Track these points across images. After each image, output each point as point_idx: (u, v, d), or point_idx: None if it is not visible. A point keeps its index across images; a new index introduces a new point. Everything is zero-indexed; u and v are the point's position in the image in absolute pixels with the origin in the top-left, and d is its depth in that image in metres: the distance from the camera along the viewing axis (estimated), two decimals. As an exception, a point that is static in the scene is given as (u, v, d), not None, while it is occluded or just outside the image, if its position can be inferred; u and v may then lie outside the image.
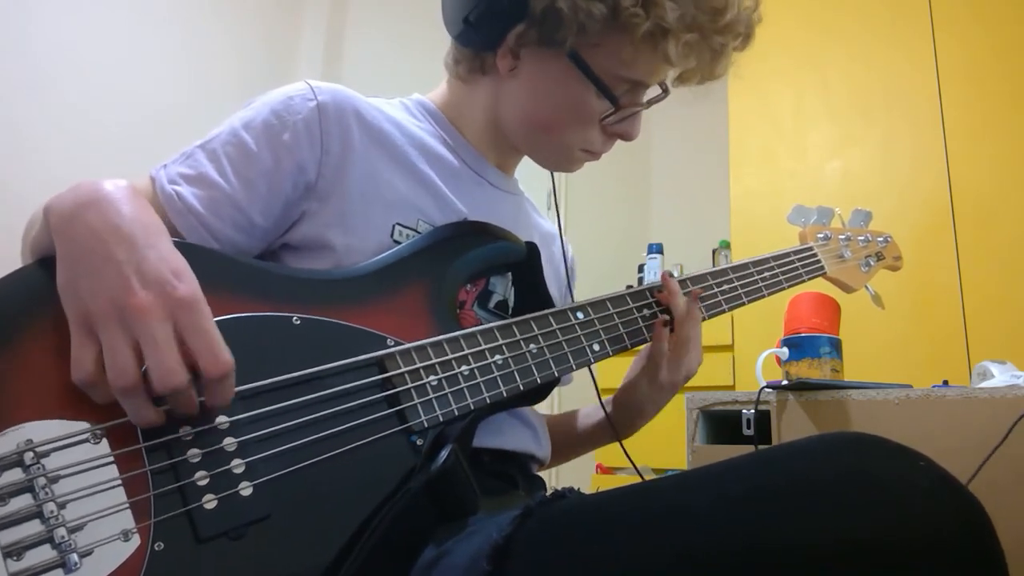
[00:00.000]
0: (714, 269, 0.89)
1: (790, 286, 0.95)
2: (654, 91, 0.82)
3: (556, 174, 0.91)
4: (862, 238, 1.09)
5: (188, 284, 0.52)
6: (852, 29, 2.43)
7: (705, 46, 0.74)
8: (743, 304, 0.90)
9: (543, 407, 0.81)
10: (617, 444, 0.91)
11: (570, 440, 0.97)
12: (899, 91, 2.30)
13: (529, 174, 0.93)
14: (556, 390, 0.80)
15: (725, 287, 0.88)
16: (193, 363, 0.50)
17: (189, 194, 0.68)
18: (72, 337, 0.50)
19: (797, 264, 0.97)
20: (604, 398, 0.94)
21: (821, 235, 1.05)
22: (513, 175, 0.93)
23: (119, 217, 0.53)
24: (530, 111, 0.81)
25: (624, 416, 0.89)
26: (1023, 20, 2.14)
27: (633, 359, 0.88)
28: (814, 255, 1.01)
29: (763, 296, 0.92)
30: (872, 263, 1.08)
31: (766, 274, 0.93)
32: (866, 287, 1.07)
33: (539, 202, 1.02)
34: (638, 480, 0.58)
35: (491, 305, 0.81)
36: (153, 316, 0.49)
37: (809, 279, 0.98)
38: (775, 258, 0.95)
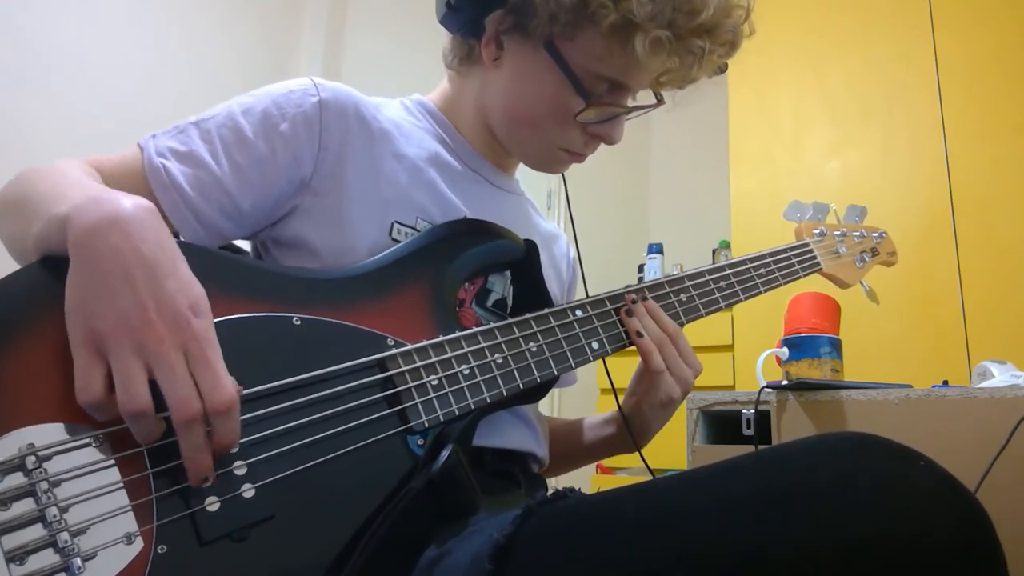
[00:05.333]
0: (712, 266, 0.89)
1: (786, 282, 0.96)
2: (649, 99, 0.82)
3: (557, 176, 0.91)
4: (857, 234, 1.09)
5: (203, 318, 0.52)
6: (852, 29, 2.43)
7: (681, 47, 0.73)
8: (740, 301, 0.90)
9: (544, 408, 0.81)
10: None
11: (574, 451, 0.96)
12: (899, 91, 2.30)
13: (529, 175, 0.93)
14: (556, 391, 0.80)
15: (722, 283, 0.88)
16: None
17: (177, 171, 0.68)
18: (77, 356, 0.49)
19: (793, 260, 0.98)
20: (605, 412, 0.94)
21: (817, 231, 1.05)
22: (513, 176, 0.94)
23: (142, 241, 0.52)
24: (510, 103, 0.81)
25: (626, 437, 0.88)
26: (1023, 20, 2.14)
27: (630, 379, 0.87)
28: (810, 251, 1.01)
29: (759, 292, 0.92)
30: (867, 259, 1.08)
31: (762, 270, 0.93)
32: (861, 283, 1.08)
33: (539, 202, 1.02)
34: (641, 480, 0.58)
35: (489, 304, 0.81)
36: (169, 346, 0.49)
37: (805, 275, 0.99)
38: (771, 254, 0.96)
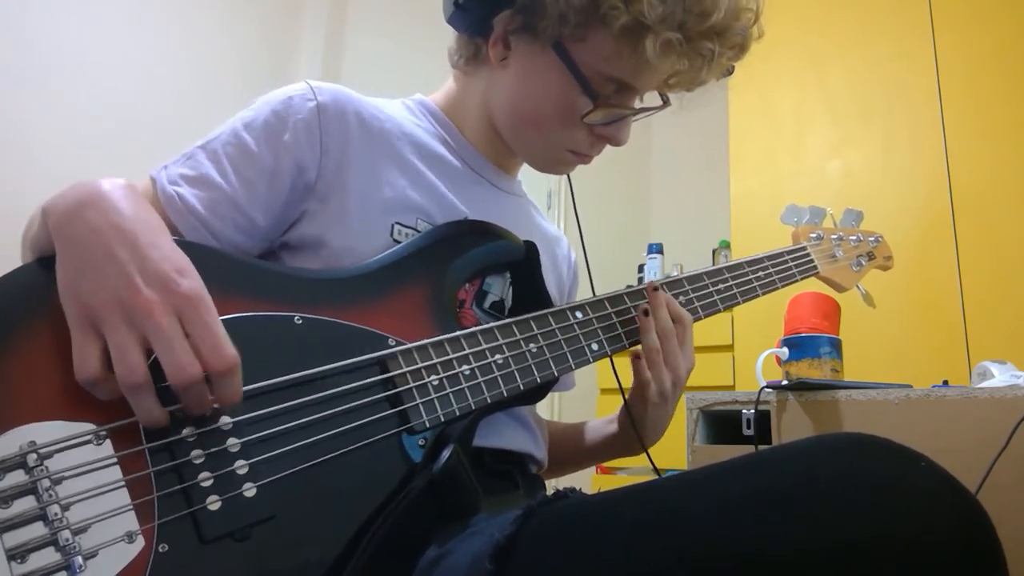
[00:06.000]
0: (710, 269, 0.89)
1: (784, 286, 0.96)
2: (655, 101, 0.82)
3: (558, 176, 0.91)
4: (853, 238, 1.10)
5: (191, 280, 0.52)
6: (852, 29, 2.43)
7: (691, 49, 0.73)
8: (738, 304, 0.90)
9: (544, 410, 0.81)
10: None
11: (577, 454, 0.96)
12: (899, 91, 2.30)
13: (529, 175, 0.93)
14: (556, 393, 0.80)
15: (720, 286, 0.88)
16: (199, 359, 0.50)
17: (190, 195, 0.69)
18: (73, 336, 0.50)
19: (791, 264, 0.98)
20: (604, 416, 0.94)
21: (814, 235, 1.06)
22: (516, 177, 0.94)
23: (119, 215, 0.53)
24: (516, 104, 0.80)
25: (629, 436, 0.87)
26: (1023, 20, 2.14)
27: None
28: (807, 255, 1.01)
29: (757, 296, 0.92)
30: (863, 263, 1.09)
31: (760, 274, 0.93)
32: (857, 286, 1.08)
33: (539, 203, 1.02)
34: (643, 480, 0.58)
35: (486, 305, 0.80)
36: (159, 312, 0.50)
37: (802, 279, 0.99)
38: (769, 258, 0.96)
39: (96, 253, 0.51)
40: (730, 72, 0.81)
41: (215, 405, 0.53)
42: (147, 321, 0.49)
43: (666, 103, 0.83)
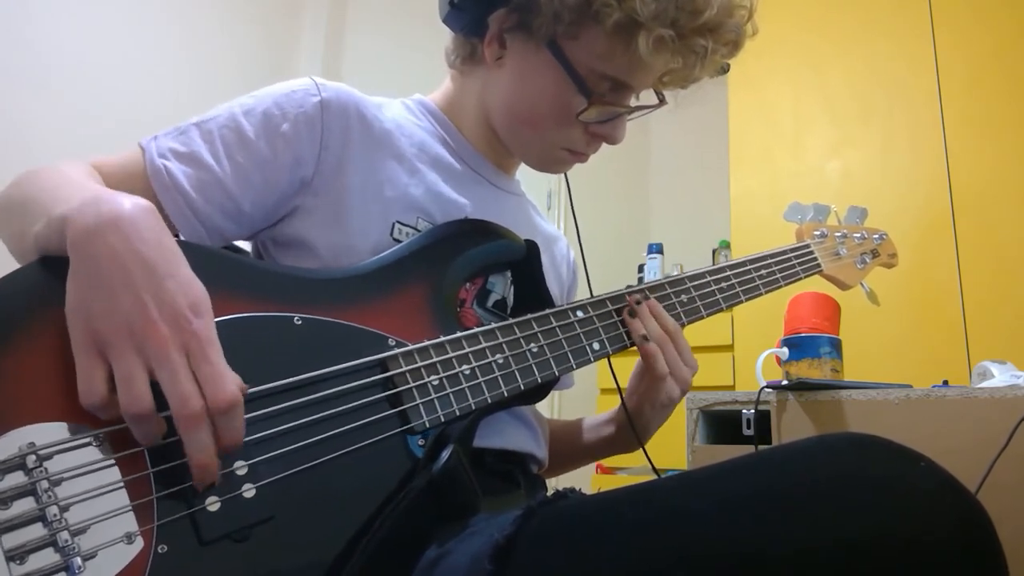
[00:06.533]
0: (712, 267, 0.89)
1: (787, 284, 0.96)
2: (652, 100, 0.82)
3: (557, 176, 0.91)
4: (858, 235, 1.09)
5: (203, 320, 0.51)
6: (852, 29, 2.43)
7: (684, 47, 0.73)
8: (741, 302, 0.90)
9: (544, 409, 0.81)
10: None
11: (574, 451, 0.96)
12: (899, 91, 2.30)
13: (528, 175, 0.93)
14: (556, 392, 0.80)
15: (723, 285, 0.88)
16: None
17: (178, 172, 0.68)
18: (78, 358, 0.49)
19: (794, 262, 0.98)
20: (604, 412, 0.94)
21: (817, 232, 1.05)
22: (514, 176, 0.94)
23: (141, 242, 0.52)
24: (512, 102, 0.81)
25: (629, 435, 0.88)
26: (1023, 20, 2.14)
27: (629, 378, 0.87)
28: (811, 252, 1.01)
29: (760, 294, 0.92)
30: (867, 260, 1.09)
31: (763, 272, 0.93)
32: (861, 284, 1.08)
33: (539, 202, 1.02)
34: (643, 480, 0.58)
35: (489, 304, 0.80)
36: (169, 346, 0.49)
37: (805, 276, 0.99)
38: (772, 256, 0.96)
39: (113, 277, 0.51)
40: (725, 70, 0.81)
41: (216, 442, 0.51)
42: (156, 353, 0.49)
43: (662, 101, 0.83)
